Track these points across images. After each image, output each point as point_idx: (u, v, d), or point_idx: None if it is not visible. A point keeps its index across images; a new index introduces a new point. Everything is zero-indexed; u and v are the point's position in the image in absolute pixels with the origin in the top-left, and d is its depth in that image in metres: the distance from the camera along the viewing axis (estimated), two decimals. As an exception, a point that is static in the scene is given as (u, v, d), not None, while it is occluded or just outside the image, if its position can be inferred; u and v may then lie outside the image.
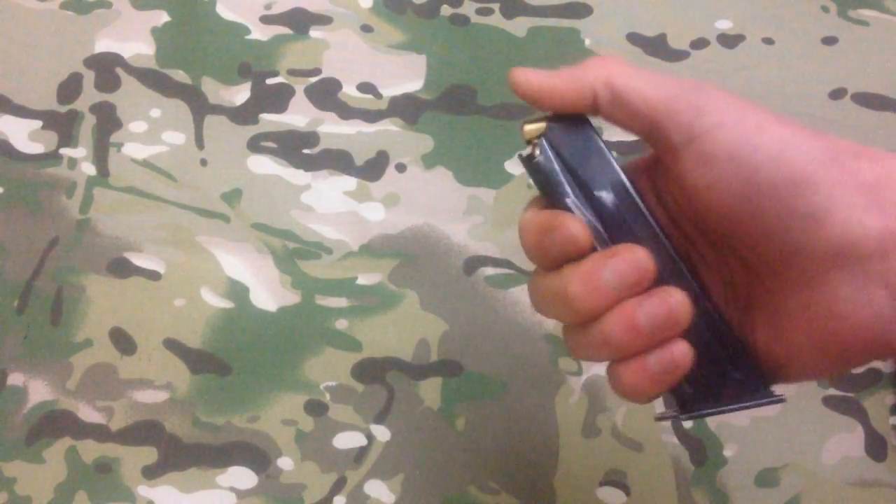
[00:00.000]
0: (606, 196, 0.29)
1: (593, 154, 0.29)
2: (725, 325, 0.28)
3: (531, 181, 0.30)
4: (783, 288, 0.26)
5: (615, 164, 0.29)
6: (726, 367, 0.28)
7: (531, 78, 0.29)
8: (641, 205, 0.29)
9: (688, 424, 0.44)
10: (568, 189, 0.29)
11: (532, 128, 0.30)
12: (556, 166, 0.29)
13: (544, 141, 0.29)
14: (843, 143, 0.25)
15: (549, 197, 0.29)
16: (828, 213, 0.24)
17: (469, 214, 0.48)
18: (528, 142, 0.30)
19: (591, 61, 0.29)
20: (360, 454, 0.43)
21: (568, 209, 0.29)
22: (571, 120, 0.29)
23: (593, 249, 0.28)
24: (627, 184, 0.29)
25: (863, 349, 0.25)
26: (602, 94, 0.28)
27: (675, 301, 0.26)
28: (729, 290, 0.29)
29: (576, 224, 0.27)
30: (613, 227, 0.28)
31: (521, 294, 0.46)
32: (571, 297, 0.27)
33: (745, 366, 0.28)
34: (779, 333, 0.27)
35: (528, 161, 0.30)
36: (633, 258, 0.26)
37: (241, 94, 0.50)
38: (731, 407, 0.28)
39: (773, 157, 0.25)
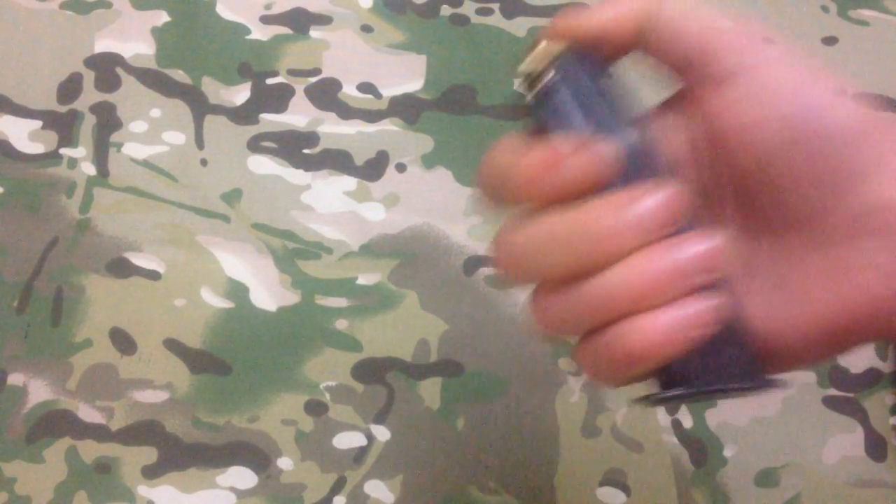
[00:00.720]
0: (628, 140, 0.24)
1: (615, 93, 0.25)
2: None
3: (533, 122, 0.25)
4: (802, 251, 0.23)
5: (642, 107, 0.25)
6: (724, 344, 0.23)
7: (580, 23, 0.25)
8: (664, 157, 0.25)
9: (681, 415, 0.44)
10: (586, 130, 0.24)
11: (543, 50, 0.25)
12: (574, 100, 0.24)
13: (559, 68, 0.24)
14: (892, 115, 0.24)
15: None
16: (873, 173, 0.22)
17: (469, 214, 0.48)
18: (529, 75, 0.25)
19: None
20: (360, 454, 0.43)
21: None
22: (585, 52, 0.25)
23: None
24: (654, 134, 0.25)
25: (876, 327, 0.23)
26: (649, 18, 0.25)
27: (717, 242, 0.23)
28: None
29: (608, 147, 0.23)
30: (636, 178, 0.23)
31: (521, 294, 0.46)
32: (602, 232, 0.22)
33: (744, 343, 0.24)
34: (778, 306, 0.24)
35: (540, 93, 0.25)
36: (672, 193, 0.23)
37: (241, 94, 0.50)
38: (725, 387, 0.24)
39: (829, 104, 0.23)
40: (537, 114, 0.25)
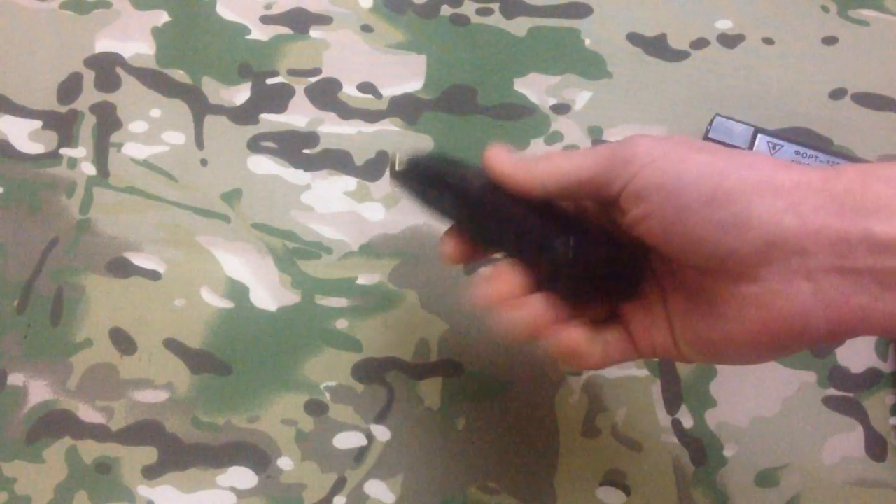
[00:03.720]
0: (470, 186, 0.34)
1: (448, 160, 0.37)
2: (605, 235, 0.33)
3: (402, 190, 0.37)
4: (721, 286, 0.29)
5: (467, 165, 0.36)
6: (606, 268, 0.32)
7: (503, 164, 0.33)
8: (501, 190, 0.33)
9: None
10: (434, 188, 0.36)
11: (395, 157, 0.37)
12: (419, 167, 0.36)
13: (405, 155, 0.37)
14: (761, 158, 0.29)
15: (420, 197, 0.36)
16: (749, 219, 0.27)
17: (469, 214, 0.48)
18: (392, 165, 0.37)
19: (542, 160, 0.33)
20: (360, 454, 0.43)
21: (439, 200, 0.35)
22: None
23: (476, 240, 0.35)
24: (484, 171, 0.33)
25: (792, 336, 0.28)
26: (550, 189, 0.32)
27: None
28: (678, 291, 0.32)
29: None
30: (481, 211, 0.34)
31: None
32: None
33: (623, 262, 0.32)
34: (719, 324, 0.30)
35: (392, 171, 0.37)
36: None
37: (241, 94, 0.50)
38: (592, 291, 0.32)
39: (693, 180, 0.28)
40: (406, 188, 0.37)
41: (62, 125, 0.49)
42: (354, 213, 0.48)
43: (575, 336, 0.32)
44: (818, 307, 0.27)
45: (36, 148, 0.49)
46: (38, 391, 0.44)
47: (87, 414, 0.44)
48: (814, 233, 0.27)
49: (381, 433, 0.44)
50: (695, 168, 0.29)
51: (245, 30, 0.52)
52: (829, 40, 0.52)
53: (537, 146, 0.49)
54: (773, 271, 0.27)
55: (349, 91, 0.50)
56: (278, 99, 0.50)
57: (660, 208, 0.29)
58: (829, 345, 0.45)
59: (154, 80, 0.50)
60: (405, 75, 0.51)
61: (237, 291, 0.46)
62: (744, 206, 0.27)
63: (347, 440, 0.44)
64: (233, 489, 0.43)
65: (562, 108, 0.50)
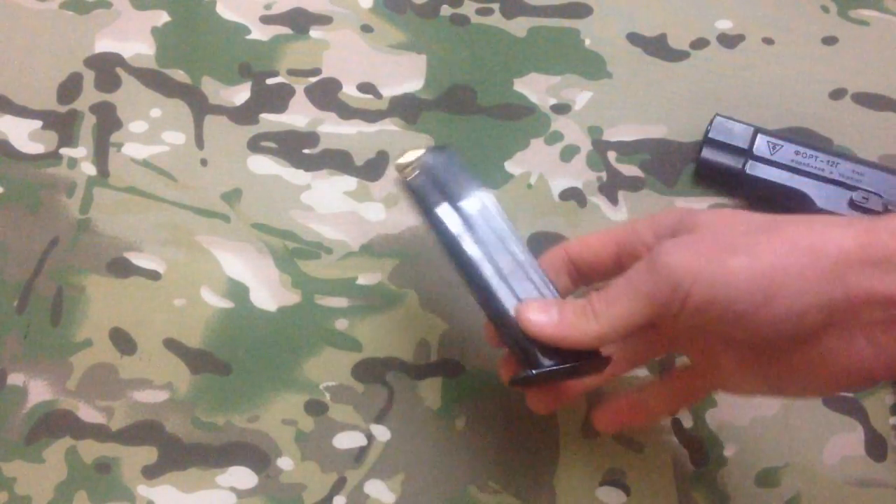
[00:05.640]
0: (471, 203, 0.37)
1: (458, 173, 0.37)
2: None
3: (408, 199, 0.38)
4: (786, 348, 0.32)
5: (474, 178, 0.37)
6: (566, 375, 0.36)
7: (542, 328, 0.35)
8: (497, 208, 0.37)
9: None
10: (436, 200, 0.37)
11: (405, 158, 0.38)
12: (427, 185, 0.37)
13: (418, 166, 0.37)
14: (791, 238, 0.30)
15: (424, 209, 0.37)
16: (803, 308, 0.30)
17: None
18: (404, 169, 0.38)
19: (590, 317, 0.34)
20: (360, 454, 0.43)
21: (438, 218, 0.36)
22: (440, 150, 0.38)
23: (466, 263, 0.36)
24: (484, 192, 0.37)
25: (857, 382, 0.32)
26: (608, 342, 0.34)
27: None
28: (745, 348, 0.34)
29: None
30: (476, 229, 0.36)
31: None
32: None
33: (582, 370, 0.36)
34: (788, 376, 0.33)
35: (403, 182, 0.38)
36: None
37: (241, 94, 0.50)
38: (570, 365, 0.34)
39: (743, 290, 0.30)
40: (413, 199, 0.38)
41: (62, 125, 0.49)
42: (354, 213, 0.48)
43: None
44: (878, 358, 0.30)
45: (36, 148, 0.49)
46: (38, 391, 0.44)
47: (87, 414, 0.44)
48: (863, 300, 0.29)
49: (381, 433, 0.44)
50: (740, 277, 0.30)
51: (245, 30, 0.52)
52: (829, 40, 0.52)
53: (537, 146, 0.49)
54: (834, 334, 0.31)
55: (349, 91, 0.50)
56: (278, 99, 0.50)
57: (718, 318, 0.31)
58: None
59: (154, 80, 0.50)
60: (405, 75, 0.51)
61: (237, 291, 0.46)
62: (795, 299, 0.30)
63: (347, 440, 0.44)
64: (233, 489, 0.43)
65: (562, 108, 0.50)
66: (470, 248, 0.36)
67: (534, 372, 0.35)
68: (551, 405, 0.39)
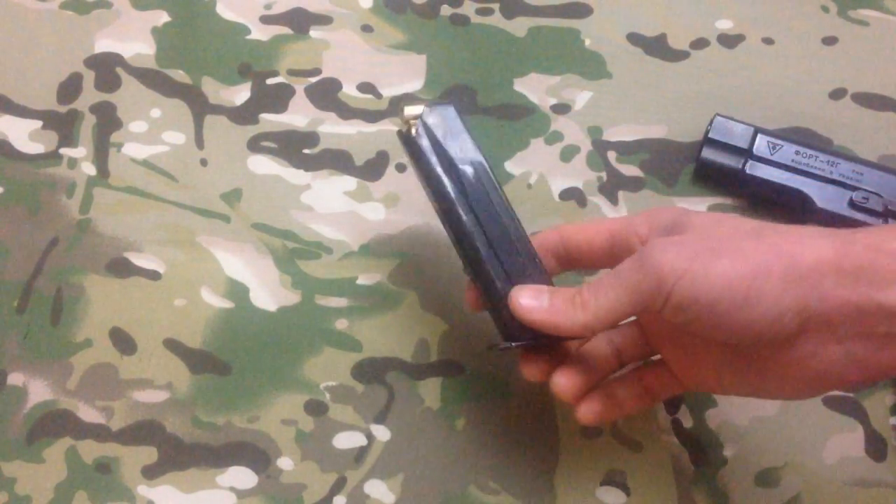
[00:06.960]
0: (467, 169, 0.37)
1: (459, 135, 0.38)
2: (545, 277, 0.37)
3: (406, 152, 0.38)
4: (762, 352, 0.33)
5: (475, 144, 0.38)
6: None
7: (533, 314, 0.36)
8: (493, 178, 0.37)
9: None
10: (436, 161, 0.37)
11: (411, 111, 0.38)
12: (428, 143, 0.37)
13: (420, 122, 0.37)
14: (775, 245, 0.31)
15: (421, 166, 0.37)
16: (780, 312, 0.31)
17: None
18: (406, 122, 0.37)
19: (578, 306, 0.35)
20: (360, 454, 0.43)
21: (438, 177, 0.37)
22: (444, 105, 0.38)
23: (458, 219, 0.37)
24: (483, 160, 0.38)
25: (829, 386, 0.35)
26: (595, 332, 0.35)
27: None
28: (724, 348, 0.35)
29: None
30: (471, 195, 0.37)
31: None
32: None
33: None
34: (764, 378, 0.35)
35: (406, 136, 0.38)
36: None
37: (241, 94, 0.50)
38: (543, 338, 0.36)
39: (724, 290, 0.31)
40: (410, 152, 0.38)
41: (62, 125, 0.49)
42: (354, 213, 0.48)
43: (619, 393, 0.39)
44: (849, 363, 0.32)
45: (36, 148, 0.49)
46: (38, 391, 0.44)
47: (87, 414, 0.44)
48: (836, 308, 0.31)
49: (381, 433, 0.44)
50: (722, 279, 0.31)
51: (245, 30, 0.52)
52: (829, 40, 0.52)
53: (537, 146, 0.49)
54: (808, 339, 0.32)
55: (349, 91, 0.50)
56: (278, 99, 0.50)
57: (698, 316, 0.32)
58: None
59: (154, 80, 0.50)
60: (405, 75, 0.51)
61: (237, 291, 0.46)
62: (773, 303, 0.31)
63: (347, 440, 0.44)
64: (233, 489, 0.43)
65: (562, 108, 0.50)
66: (466, 213, 0.37)
67: (513, 344, 0.37)
68: (545, 372, 0.39)
